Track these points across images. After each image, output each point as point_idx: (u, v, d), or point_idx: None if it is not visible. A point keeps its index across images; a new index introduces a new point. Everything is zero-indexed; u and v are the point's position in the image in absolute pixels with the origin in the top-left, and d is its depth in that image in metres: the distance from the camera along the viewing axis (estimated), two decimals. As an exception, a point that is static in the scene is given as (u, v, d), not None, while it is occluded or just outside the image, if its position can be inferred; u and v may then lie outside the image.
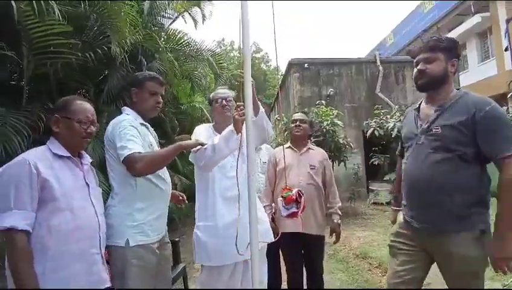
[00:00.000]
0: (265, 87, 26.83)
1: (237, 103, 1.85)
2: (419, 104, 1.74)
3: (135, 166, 1.58)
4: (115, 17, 2.80)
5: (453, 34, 15.02)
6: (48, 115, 1.47)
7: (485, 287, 1.56)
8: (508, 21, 10.98)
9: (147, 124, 1.87)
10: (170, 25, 5.42)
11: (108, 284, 1.47)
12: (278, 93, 14.05)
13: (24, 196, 1.25)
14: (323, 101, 8.09)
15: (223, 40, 28.19)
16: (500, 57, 12.96)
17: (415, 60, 1.69)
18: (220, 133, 2.12)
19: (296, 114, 2.76)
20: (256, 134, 2.03)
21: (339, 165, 7.50)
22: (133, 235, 1.64)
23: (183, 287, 2.76)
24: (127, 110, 1.84)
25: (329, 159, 7.25)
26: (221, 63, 5.77)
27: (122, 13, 2.78)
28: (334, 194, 2.63)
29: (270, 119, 14.87)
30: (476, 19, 13.64)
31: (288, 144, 2.71)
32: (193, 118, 7.79)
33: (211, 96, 2.26)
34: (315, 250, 2.55)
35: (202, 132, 2.12)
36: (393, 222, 1.93)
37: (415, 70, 1.67)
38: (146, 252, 1.67)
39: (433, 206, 1.55)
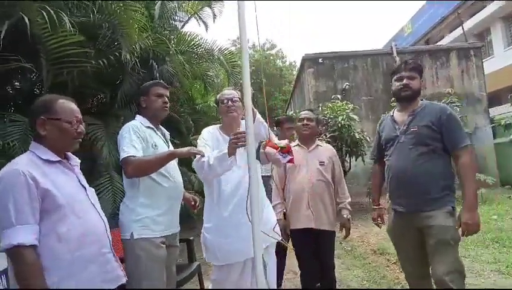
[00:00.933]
0: (282, 83, 26.64)
1: (237, 132, 1.81)
2: (393, 114, 2.16)
3: (126, 169, 1.75)
4: (125, 25, 2.89)
5: (475, 19, 14.37)
6: (30, 117, 1.39)
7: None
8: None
9: (154, 127, 2.00)
10: (182, 28, 5.53)
11: (123, 280, 1.48)
12: (293, 89, 13.94)
13: (25, 209, 1.19)
14: (338, 96, 7.97)
15: (238, 38, 28.18)
16: (528, 40, 12.24)
17: (396, 76, 2.09)
18: (226, 134, 2.17)
19: (303, 112, 2.73)
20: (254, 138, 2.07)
21: (356, 160, 7.38)
22: (137, 228, 1.78)
23: (198, 286, 2.82)
24: (136, 116, 2.03)
25: (346, 154, 7.23)
26: (233, 61, 5.80)
27: (132, 20, 2.86)
28: (344, 189, 2.63)
29: (286, 113, 14.69)
30: (498, 2, 12.94)
31: (296, 142, 2.71)
32: (208, 117, 7.89)
33: (217, 97, 2.29)
34: (327, 245, 2.55)
35: (207, 135, 2.16)
36: (377, 217, 2.31)
37: (398, 84, 2.05)
38: (150, 246, 1.78)
39: (416, 191, 1.94)
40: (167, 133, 2.15)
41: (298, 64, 12.07)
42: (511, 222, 5.06)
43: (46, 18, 2.17)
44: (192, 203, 2.20)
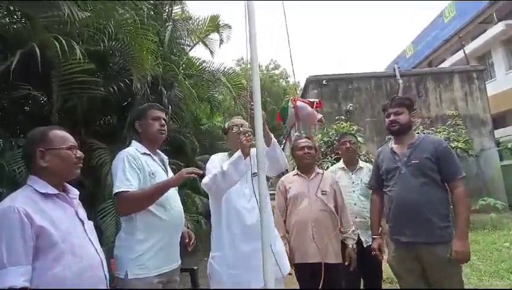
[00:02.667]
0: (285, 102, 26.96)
1: (245, 129, 1.88)
2: (391, 146, 2.25)
3: (117, 205, 1.71)
4: (137, 54, 2.94)
5: (477, 42, 14.58)
6: (25, 152, 1.38)
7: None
8: (535, 27, 10.49)
9: (151, 153, 1.92)
10: (189, 51, 5.64)
11: None
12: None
13: (17, 249, 1.15)
14: (343, 117, 7.99)
15: (242, 58, 28.79)
16: (530, 63, 12.35)
17: (386, 113, 2.24)
18: None
19: (301, 140, 2.66)
20: (270, 165, 2.05)
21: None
22: (132, 268, 1.68)
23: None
24: (132, 143, 1.95)
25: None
26: (239, 84, 5.86)
27: (143, 48, 2.92)
28: (347, 218, 2.58)
29: (291, 136, 14.71)
30: (500, 26, 13.17)
31: (296, 171, 2.65)
32: (213, 138, 7.92)
33: (226, 125, 2.32)
34: (335, 280, 2.42)
35: (216, 162, 2.16)
36: (377, 247, 2.30)
37: (387, 120, 2.22)
38: (146, 286, 1.69)
39: (421, 220, 2.00)
40: (166, 158, 2.06)
41: (301, 84, 12.20)
42: (525, 252, 4.89)
43: (58, 48, 2.21)
44: (187, 240, 2.08)
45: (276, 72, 28.84)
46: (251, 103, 1.89)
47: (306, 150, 2.55)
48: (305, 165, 2.58)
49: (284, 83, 29.37)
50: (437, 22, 17.01)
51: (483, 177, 8.48)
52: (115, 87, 3.09)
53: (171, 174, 2.05)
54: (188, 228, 2.21)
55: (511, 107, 12.61)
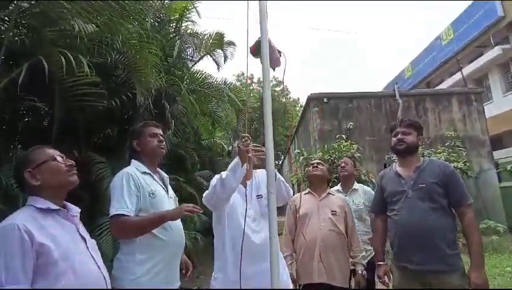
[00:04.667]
0: (285, 119, 27.13)
1: (242, 134, 1.89)
2: (395, 169, 2.20)
3: (112, 228, 1.70)
4: (141, 68, 2.94)
5: (474, 65, 14.86)
6: (16, 179, 1.37)
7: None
8: (531, 52, 10.73)
9: (151, 172, 1.89)
10: (192, 66, 5.68)
11: None
12: (297, 128, 14.07)
13: (16, 268, 1.12)
14: (343, 136, 8.00)
15: (243, 74, 29.16)
16: (527, 87, 12.57)
17: (393, 132, 2.21)
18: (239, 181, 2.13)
19: (314, 159, 2.83)
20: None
21: (361, 201, 7.26)
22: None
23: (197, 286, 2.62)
24: (132, 162, 1.92)
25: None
26: (242, 100, 5.89)
27: (147, 63, 2.92)
28: (357, 242, 2.52)
29: (290, 152, 14.71)
30: (496, 50, 13.48)
31: (308, 190, 2.66)
32: (213, 153, 7.88)
33: (230, 148, 2.35)
34: None
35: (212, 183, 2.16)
36: (383, 274, 2.19)
37: (395, 139, 2.18)
38: None
39: (429, 246, 1.92)
40: (166, 177, 2.03)
41: (301, 101, 12.35)
42: (528, 276, 4.80)
43: (64, 62, 2.20)
44: (183, 271, 2.04)
45: (277, 89, 29.17)
46: (245, 138, 1.90)
47: (315, 164, 2.62)
48: (315, 178, 2.59)
49: (284, 100, 29.66)
50: (435, 44, 17.40)
51: (483, 198, 8.44)
52: (117, 101, 3.07)
53: (171, 192, 2.03)
54: (186, 246, 2.14)
55: (508, 128, 12.72)
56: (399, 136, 2.16)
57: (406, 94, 10.41)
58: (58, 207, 1.33)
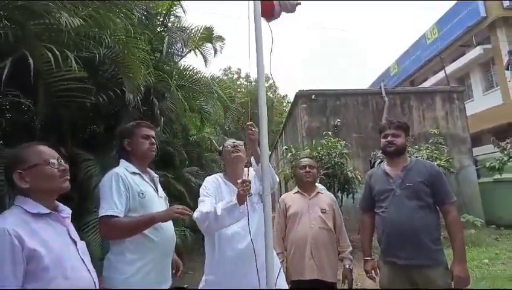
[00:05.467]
0: (272, 114, 27.17)
1: (243, 179, 1.86)
2: (383, 168, 2.28)
3: (102, 229, 1.71)
4: (130, 65, 2.88)
5: (457, 64, 15.28)
6: (5, 176, 1.30)
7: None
8: (510, 53, 11.13)
9: (140, 172, 1.87)
10: (180, 60, 5.59)
11: None
12: (284, 124, 14.14)
13: (7, 273, 1.11)
14: (330, 132, 8.11)
15: (230, 68, 28.94)
16: (504, 87, 13.06)
17: (383, 134, 2.27)
18: (230, 181, 2.17)
19: (303, 159, 2.76)
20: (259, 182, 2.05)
21: (347, 197, 7.40)
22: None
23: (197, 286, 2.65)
24: (121, 162, 1.89)
25: (338, 190, 7.25)
26: (231, 97, 5.86)
27: (136, 59, 2.86)
28: (345, 237, 2.60)
29: (277, 148, 14.86)
30: (478, 50, 13.90)
31: (297, 189, 2.69)
32: (202, 149, 7.82)
33: (220, 147, 2.38)
34: None
35: (210, 185, 2.17)
36: (371, 269, 2.28)
37: (384, 140, 2.24)
38: None
39: (416, 243, 2.02)
40: (156, 177, 2.02)
41: (289, 97, 12.41)
42: (503, 267, 5.04)
43: (51, 57, 2.13)
44: (174, 271, 2.03)
45: (266, 84, 29.16)
46: (248, 124, 1.90)
47: (308, 169, 2.61)
48: (306, 183, 2.61)
49: (271, 95, 29.65)
50: (420, 43, 17.76)
51: (462, 194, 8.77)
52: (104, 96, 3.00)
53: (161, 192, 2.02)
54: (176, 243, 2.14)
55: (487, 126, 13.21)
56: (389, 138, 2.23)
57: (392, 92, 10.63)
58: (48, 211, 1.29)
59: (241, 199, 1.84)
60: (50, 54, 2.13)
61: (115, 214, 1.65)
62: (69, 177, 1.35)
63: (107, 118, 3.40)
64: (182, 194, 5.42)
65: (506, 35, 12.81)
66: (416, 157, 7.04)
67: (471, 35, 14.24)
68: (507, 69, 11.32)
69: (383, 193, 2.20)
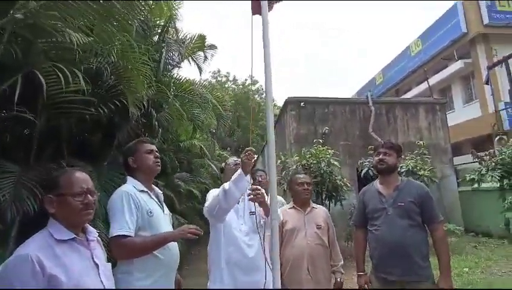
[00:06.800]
0: (259, 118, 27.26)
1: (246, 148, 2.01)
2: (376, 187, 2.42)
3: (115, 250, 1.70)
4: (133, 79, 2.91)
5: (439, 76, 15.88)
6: (42, 197, 1.36)
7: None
8: (489, 68, 11.71)
9: (148, 190, 1.93)
10: (177, 70, 5.63)
11: None
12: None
13: None
14: (320, 140, 8.28)
15: (219, 71, 28.91)
16: (483, 99, 13.68)
17: (376, 152, 2.44)
18: None
19: (301, 176, 2.81)
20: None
21: (335, 205, 7.57)
22: None
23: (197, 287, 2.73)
24: (128, 179, 1.95)
25: (326, 198, 7.41)
26: (224, 104, 5.94)
27: (140, 75, 2.90)
28: (337, 252, 2.71)
29: (264, 153, 14.94)
30: (459, 64, 14.52)
31: (292, 204, 2.76)
32: (192, 155, 7.85)
33: (222, 165, 2.53)
34: None
35: (216, 193, 2.26)
36: (364, 284, 2.40)
37: (377, 158, 2.41)
38: None
39: (408, 260, 2.16)
40: (160, 193, 2.09)
41: (276, 100, 12.53)
42: (483, 276, 5.31)
43: (60, 75, 2.15)
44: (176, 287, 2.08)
45: (253, 87, 29.25)
46: (249, 152, 2.00)
47: (305, 186, 2.67)
48: (304, 200, 2.69)
49: (258, 99, 29.76)
50: (404, 54, 18.37)
51: (443, 202, 9.12)
52: (104, 108, 3.02)
53: (166, 209, 2.07)
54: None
55: (467, 137, 13.81)
56: (381, 156, 2.39)
57: (378, 102, 10.93)
58: (73, 236, 1.34)
59: (246, 167, 1.95)
60: (57, 71, 2.15)
61: (127, 234, 1.69)
62: (92, 211, 1.39)
63: (106, 128, 3.41)
64: (172, 199, 5.44)
65: (485, 51, 13.47)
66: (401, 166, 7.34)
67: (453, 49, 14.86)
68: (486, 84, 11.87)
69: (376, 211, 2.34)
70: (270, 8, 1.94)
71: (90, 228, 1.46)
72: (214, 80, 28.34)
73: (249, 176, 2.00)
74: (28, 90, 2.32)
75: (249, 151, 1.95)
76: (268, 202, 1.78)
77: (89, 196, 1.37)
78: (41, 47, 2.27)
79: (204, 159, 8.49)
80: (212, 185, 9.51)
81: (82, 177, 1.39)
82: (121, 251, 1.72)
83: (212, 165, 8.80)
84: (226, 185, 1.99)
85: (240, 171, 1.98)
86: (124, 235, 1.69)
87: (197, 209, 7.53)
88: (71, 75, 2.39)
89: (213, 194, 2.24)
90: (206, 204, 2.11)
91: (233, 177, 2.00)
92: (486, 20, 13.10)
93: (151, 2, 3.76)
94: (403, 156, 8.05)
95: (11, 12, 1.85)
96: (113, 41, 2.56)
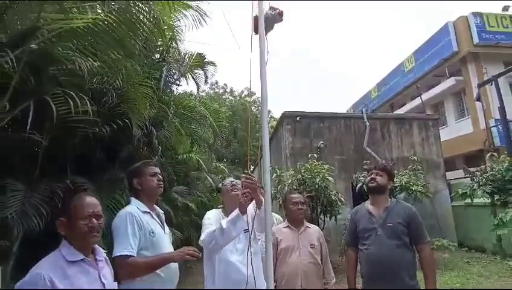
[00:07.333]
0: (256, 130, 27.44)
1: (244, 190, 2.10)
2: (367, 207, 2.55)
3: (118, 270, 1.76)
4: (137, 102, 3.04)
5: (432, 92, 16.25)
6: (55, 219, 1.48)
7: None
8: (479, 86, 12.06)
9: (150, 210, 2.03)
10: (177, 88, 5.78)
11: None
12: (269, 142, 14.38)
13: None
14: (315, 155, 8.42)
15: (217, 82, 29.21)
16: (475, 116, 14.00)
17: (369, 172, 2.63)
18: (228, 216, 2.37)
19: (295, 195, 2.90)
20: (260, 223, 2.28)
21: (330, 220, 7.66)
22: None
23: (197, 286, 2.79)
24: (132, 200, 2.05)
25: (321, 213, 7.50)
26: (220, 121, 6.09)
27: (143, 98, 3.03)
28: (330, 270, 2.80)
29: (260, 165, 15.04)
30: (451, 81, 14.90)
31: (286, 223, 2.85)
32: (188, 168, 7.93)
33: (220, 185, 2.63)
34: None
35: (212, 216, 2.42)
36: None
37: (369, 177, 2.59)
38: None
39: (395, 277, 2.27)
40: (162, 213, 2.18)
41: (272, 112, 12.72)
42: (474, 293, 5.41)
43: (71, 102, 2.29)
44: None
45: (249, 99, 29.55)
46: (249, 173, 2.13)
47: (300, 205, 2.78)
48: (299, 219, 2.80)
49: (255, 110, 30.01)
50: (398, 70, 18.80)
51: (437, 216, 9.25)
52: (107, 129, 3.14)
53: (167, 229, 2.18)
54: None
55: (459, 152, 14.07)
56: (372, 175, 2.56)
57: (372, 117, 11.16)
58: (82, 257, 1.45)
59: (243, 208, 2.05)
60: (67, 97, 2.28)
61: (130, 254, 1.79)
62: (97, 234, 1.49)
63: (108, 146, 3.52)
64: (168, 213, 5.49)
65: (475, 69, 13.89)
66: (395, 181, 7.47)
67: (445, 67, 15.28)
68: (477, 100, 12.20)
69: (366, 231, 2.46)
70: (271, 27, 2.10)
71: (99, 249, 1.57)
72: (212, 91, 28.61)
73: (245, 216, 2.09)
74: (37, 113, 2.44)
75: (246, 194, 2.05)
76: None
77: (93, 219, 1.47)
78: (52, 73, 2.40)
79: (201, 171, 8.58)
80: (207, 199, 9.57)
81: (90, 202, 1.50)
82: (123, 270, 1.81)
83: (209, 178, 8.87)
84: (224, 223, 2.08)
85: (237, 211, 2.08)
86: (126, 255, 1.79)
87: (193, 222, 7.56)
88: (78, 98, 2.51)
89: (209, 219, 2.34)
90: (202, 237, 2.18)
91: (230, 217, 2.10)
92: (476, 40, 13.56)
93: (151, 24, 3.93)
94: (396, 171, 8.30)
95: (27, 43, 1.98)
96: (118, 66, 2.70)
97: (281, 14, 2.16)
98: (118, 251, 1.80)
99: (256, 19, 2.03)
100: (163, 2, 2.76)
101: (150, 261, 1.86)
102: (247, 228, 2.32)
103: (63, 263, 1.39)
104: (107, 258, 1.66)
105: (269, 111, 30.00)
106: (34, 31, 2.04)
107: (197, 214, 7.48)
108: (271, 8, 2.09)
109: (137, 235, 1.87)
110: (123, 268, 1.79)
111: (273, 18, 2.11)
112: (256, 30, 2.05)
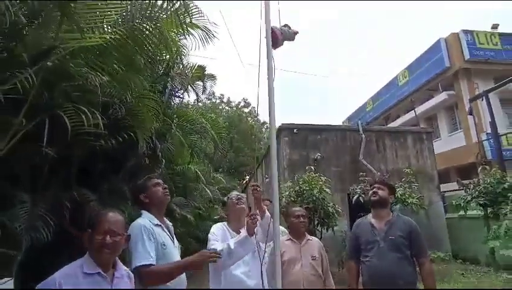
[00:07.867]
0: (252, 140, 27.56)
1: (251, 213, 2.20)
2: (369, 220, 2.63)
3: (142, 280, 1.78)
4: (143, 117, 3.13)
5: (425, 106, 16.59)
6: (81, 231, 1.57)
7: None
8: (471, 100, 12.39)
9: (161, 223, 2.07)
10: (179, 100, 5.88)
11: None
12: (266, 153, 14.51)
13: None
14: (312, 167, 8.52)
15: (214, 93, 29.43)
16: (467, 129, 14.31)
17: (371, 186, 2.77)
18: (233, 229, 2.45)
19: (296, 208, 3.00)
20: (263, 233, 2.37)
21: (327, 231, 7.71)
22: None
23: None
24: (143, 213, 2.09)
25: (318, 224, 7.55)
26: (220, 133, 6.18)
27: (149, 113, 3.13)
28: (330, 282, 2.84)
29: (257, 176, 15.05)
30: (443, 95, 15.27)
31: (288, 236, 2.90)
32: (187, 179, 7.95)
33: (225, 198, 2.67)
34: None
35: (217, 231, 2.47)
36: None
37: (370, 191, 2.70)
38: None
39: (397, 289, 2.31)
40: (171, 226, 2.23)
41: (268, 123, 12.86)
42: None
43: (84, 119, 2.37)
44: None
45: (246, 110, 29.78)
46: (256, 184, 2.22)
47: (301, 219, 2.86)
48: (301, 232, 2.87)
49: (252, 122, 30.22)
50: (392, 84, 19.21)
51: (431, 228, 9.35)
52: (113, 141, 3.21)
53: (176, 242, 2.22)
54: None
55: (453, 165, 14.32)
56: (374, 189, 2.67)
57: (368, 129, 11.36)
58: (98, 271, 1.50)
59: (251, 230, 2.12)
60: (80, 113, 2.36)
61: (151, 263, 1.82)
62: (109, 251, 1.53)
63: (113, 158, 3.58)
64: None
65: (467, 84, 14.28)
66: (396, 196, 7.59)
67: (438, 81, 15.68)
68: (470, 114, 12.50)
69: (368, 243, 2.55)
70: (281, 44, 2.19)
71: (120, 266, 1.61)
72: (208, 102, 28.80)
73: (253, 238, 2.16)
74: (49, 126, 2.51)
75: (254, 216, 2.13)
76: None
77: (108, 236, 1.51)
78: (64, 88, 2.48)
79: (199, 183, 8.60)
80: (205, 210, 9.56)
81: (110, 219, 1.56)
82: (148, 279, 1.80)
83: (207, 189, 8.89)
84: (232, 243, 2.13)
85: (245, 233, 2.14)
86: (148, 264, 1.81)
87: (191, 233, 7.55)
88: (90, 113, 2.59)
89: (215, 235, 2.38)
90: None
91: (238, 239, 2.16)
92: (467, 56, 13.99)
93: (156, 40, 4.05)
94: (391, 183, 8.43)
95: (45, 60, 2.08)
96: (126, 81, 2.80)
97: (295, 34, 2.27)
98: (137, 262, 1.80)
99: (274, 33, 2.09)
100: (172, 21, 2.87)
101: (173, 266, 1.90)
102: (255, 249, 2.39)
103: (79, 273, 1.45)
104: (131, 275, 1.67)
105: (264, 122, 30.32)
106: (52, 49, 2.14)
107: (195, 225, 7.47)
108: (286, 25, 2.18)
109: (153, 245, 1.91)
110: (147, 276, 1.80)
111: (289, 35, 2.21)
112: (275, 45, 2.12)
